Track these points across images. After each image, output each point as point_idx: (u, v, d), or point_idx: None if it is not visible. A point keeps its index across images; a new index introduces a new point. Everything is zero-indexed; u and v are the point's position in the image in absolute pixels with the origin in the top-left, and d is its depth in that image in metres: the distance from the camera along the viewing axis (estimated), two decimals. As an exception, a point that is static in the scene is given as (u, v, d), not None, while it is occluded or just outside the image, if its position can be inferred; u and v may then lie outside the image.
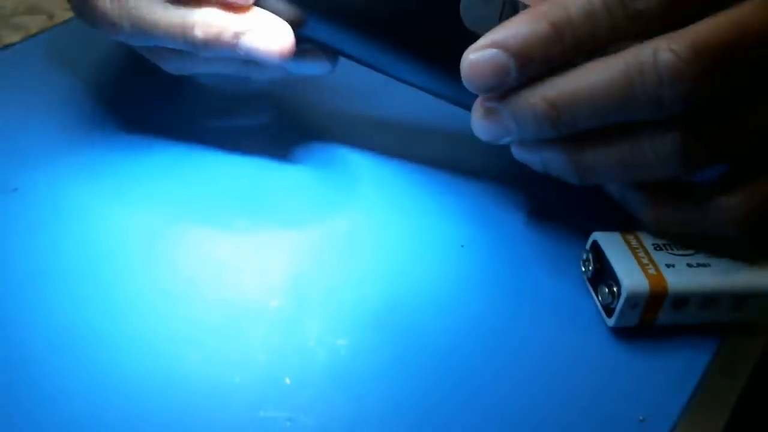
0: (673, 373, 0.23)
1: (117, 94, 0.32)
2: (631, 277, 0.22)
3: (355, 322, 0.23)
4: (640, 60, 0.20)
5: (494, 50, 0.21)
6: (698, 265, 0.23)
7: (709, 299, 0.23)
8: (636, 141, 0.21)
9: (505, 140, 0.23)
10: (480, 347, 0.23)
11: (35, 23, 0.36)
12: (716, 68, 0.19)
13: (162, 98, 0.32)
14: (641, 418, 0.21)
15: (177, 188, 0.28)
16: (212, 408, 0.21)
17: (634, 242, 0.23)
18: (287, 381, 0.22)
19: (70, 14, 0.37)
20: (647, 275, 0.22)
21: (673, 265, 0.23)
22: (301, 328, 0.23)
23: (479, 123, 0.23)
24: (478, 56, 0.22)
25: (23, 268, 0.24)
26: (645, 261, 0.23)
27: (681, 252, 0.23)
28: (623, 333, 0.23)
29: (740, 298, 0.23)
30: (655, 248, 0.23)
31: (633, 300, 0.22)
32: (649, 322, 0.23)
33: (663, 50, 0.19)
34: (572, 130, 0.22)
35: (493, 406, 0.21)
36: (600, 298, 0.23)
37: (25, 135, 0.30)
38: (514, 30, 0.21)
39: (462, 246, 0.26)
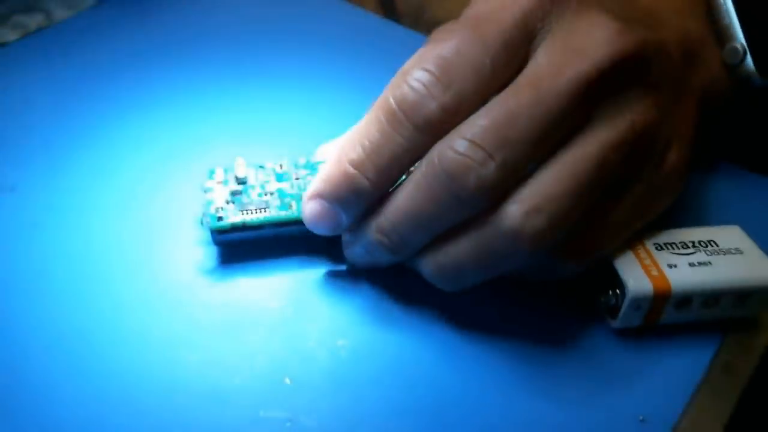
0: (674, 372, 0.23)
1: (117, 94, 0.32)
2: (635, 279, 0.22)
3: (355, 322, 0.23)
4: (432, 165, 0.20)
5: (316, 201, 0.22)
6: (699, 263, 0.23)
7: (711, 297, 0.23)
8: (479, 232, 0.21)
9: (373, 265, 0.24)
10: (480, 347, 0.23)
11: (33, 22, 0.36)
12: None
13: (161, 97, 0.32)
14: (641, 418, 0.21)
15: (177, 189, 0.27)
16: (212, 409, 0.21)
17: (635, 242, 0.23)
18: (287, 381, 0.22)
19: (68, 13, 0.37)
20: (650, 276, 0.22)
21: (675, 265, 0.23)
22: (301, 328, 0.23)
23: (346, 256, 0.24)
24: (307, 210, 0.23)
25: (22, 269, 0.24)
26: (647, 262, 0.23)
27: (682, 251, 0.23)
28: (623, 332, 0.23)
29: (742, 295, 0.23)
30: (656, 248, 0.23)
31: (637, 302, 0.22)
32: (653, 321, 0.23)
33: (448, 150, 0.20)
34: (412, 247, 0.22)
35: (492, 406, 0.21)
36: (603, 300, 0.23)
37: (24, 134, 0.30)
38: (324, 176, 0.22)
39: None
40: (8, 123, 0.30)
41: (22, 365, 0.21)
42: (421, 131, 0.21)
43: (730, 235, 0.24)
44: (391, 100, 0.21)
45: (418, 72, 0.21)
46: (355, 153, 0.21)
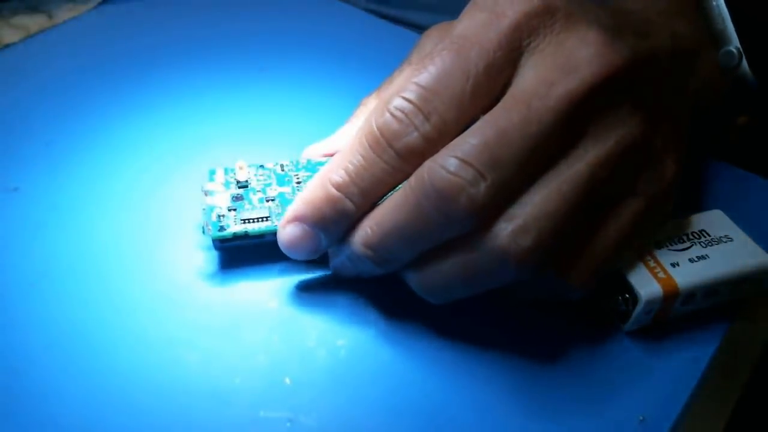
0: (673, 372, 0.22)
1: (118, 96, 0.32)
2: (645, 285, 0.22)
3: (354, 322, 0.23)
4: (422, 182, 0.20)
5: (296, 225, 0.22)
6: (698, 258, 0.23)
7: (713, 289, 0.23)
8: (466, 249, 0.21)
9: (358, 275, 0.24)
10: (479, 348, 0.23)
11: (35, 23, 0.36)
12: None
13: (162, 98, 0.32)
14: (641, 418, 0.21)
15: (177, 189, 0.28)
16: (213, 409, 0.21)
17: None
18: (287, 381, 0.22)
19: (70, 14, 0.37)
20: (658, 280, 0.22)
21: (678, 264, 0.23)
22: (301, 328, 0.23)
23: (332, 266, 0.24)
24: (286, 234, 0.22)
25: (22, 269, 0.24)
26: (652, 264, 0.23)
27: (679, 246, 0.23)
28: (622, 333, 0.23)
29: (739, 282, 0.23)
30: (655, 245, 0.23)
31: (649, 306, 0.22)
32: (661, 320, 0.23)
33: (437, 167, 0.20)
34: (399, 262, 0.22)
35: (491, 405, 0.21)
36: (612, 306, 0.23)
37: (25, 135, 0.30)
38: (306, 198, 0.22)
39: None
40: (10, 124, 0.30)
41: (23, 365, 0.22)
42: (403, 158, 0.21)
43: (716, 222, 0.24)
44: (374, 127, 0.21)
45: (399, 101, 0.21)
46: (339, 176, 0.21)
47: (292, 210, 0.22)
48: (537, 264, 0.20)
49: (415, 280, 0.22)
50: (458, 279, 0.21)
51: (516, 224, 0.20)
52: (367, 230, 0.22)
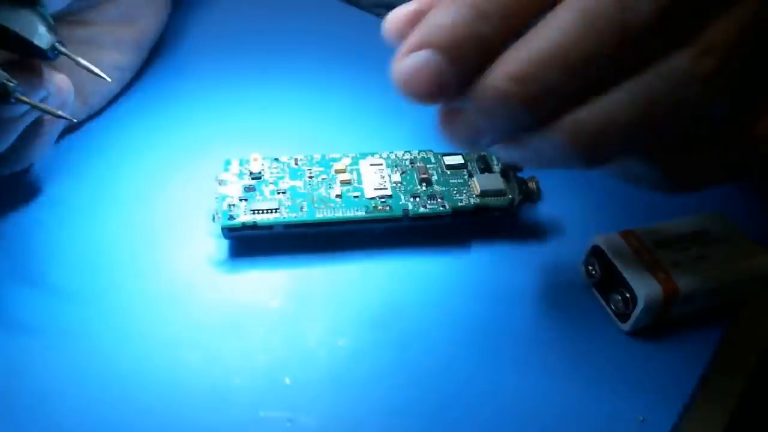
0: (674, 372, 0.22)
1: (117, 95, 0.32)
2: (645, 286, 0.22)
3: (355, 322, 0.23)
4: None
5: (424, 52, 0.18)
6: (699, 258, 0.23)
7: (713, 290, 0.23)
8: (640, 77, 0.17)
9: (485, 142, 0.19)
10: (478, 348, 0.23)
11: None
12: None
13: (162, 98, 0.32)
14: (641, 418, 0.21)
15: (177, 189, 0.28)
16: (212, 408, 0.21)
17: (635, 243, 0.23)
18: (287, 381, 0.22)
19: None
20: (659, 280, 0.22)
21: (679, 264, 0.23)
22: (301, 328, 0.23)
23: (447, 131, 0.19)
24: (404, 65, 0.18)
25: (23, 269, 0.24)
26: (653, 264, 0.23)
27: (680, 247, 0.23)
28: (622, 333, 0.23)
29: (739, 283, 0.23)
30: (655, 246, 0.23)
31: (649, 307, 0.22)
32: (661, 320, 0.23)
33: None
34: (553, 103, 0.18)
35: (491, 406, 0.21)
36: (612, 306, 0.23)
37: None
38: (433, 21, 0.18)
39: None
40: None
41: (23, 365, 0.22)
42: None
43: (717, 223, 0.24)
44: None
45: None
46: None
47: (413, 36, 0.18)
48: (723, 89, 0.17)
49: (562, 131, 0.18)
50: (624, 115, 0.17)
51: (699, 48, 0.17)
52: (515, 57, 0.17)
